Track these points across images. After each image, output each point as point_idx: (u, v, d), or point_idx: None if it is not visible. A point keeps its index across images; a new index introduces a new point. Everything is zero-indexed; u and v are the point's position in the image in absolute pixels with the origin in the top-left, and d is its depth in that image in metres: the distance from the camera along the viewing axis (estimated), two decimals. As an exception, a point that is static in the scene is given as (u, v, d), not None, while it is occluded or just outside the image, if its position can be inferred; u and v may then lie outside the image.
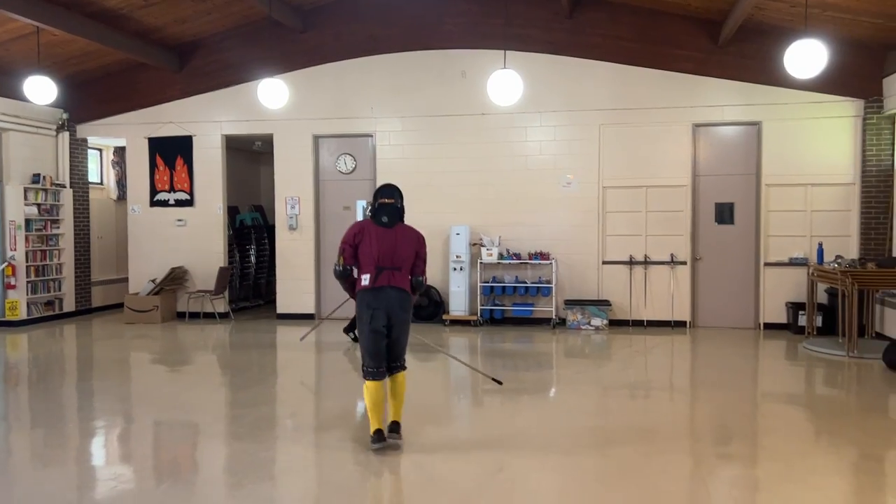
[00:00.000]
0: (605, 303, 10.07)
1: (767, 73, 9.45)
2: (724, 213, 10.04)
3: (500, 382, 6.66)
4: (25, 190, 10.62)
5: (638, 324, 10.13)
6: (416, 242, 4.93)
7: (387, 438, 4.82)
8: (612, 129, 10.12)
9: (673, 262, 10.05)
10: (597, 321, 9.95)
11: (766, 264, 9.81)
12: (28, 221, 10.65)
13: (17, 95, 9.96)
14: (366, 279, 4.75)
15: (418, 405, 5.88)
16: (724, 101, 9.82)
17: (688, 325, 10.06)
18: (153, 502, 4.07)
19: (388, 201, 4.88)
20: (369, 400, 4.79)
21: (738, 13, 8.49)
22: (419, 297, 5.32)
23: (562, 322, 10.17)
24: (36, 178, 10.90)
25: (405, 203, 5.06)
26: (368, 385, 4.79)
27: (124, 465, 4.86)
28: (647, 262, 10.13)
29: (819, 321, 9.14)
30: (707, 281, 10.12)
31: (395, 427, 4.93)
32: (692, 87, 9.87)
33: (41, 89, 8.92)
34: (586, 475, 4.47)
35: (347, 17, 10.46)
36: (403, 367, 4.98)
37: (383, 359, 4.82)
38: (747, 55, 9.58)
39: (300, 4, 10.26)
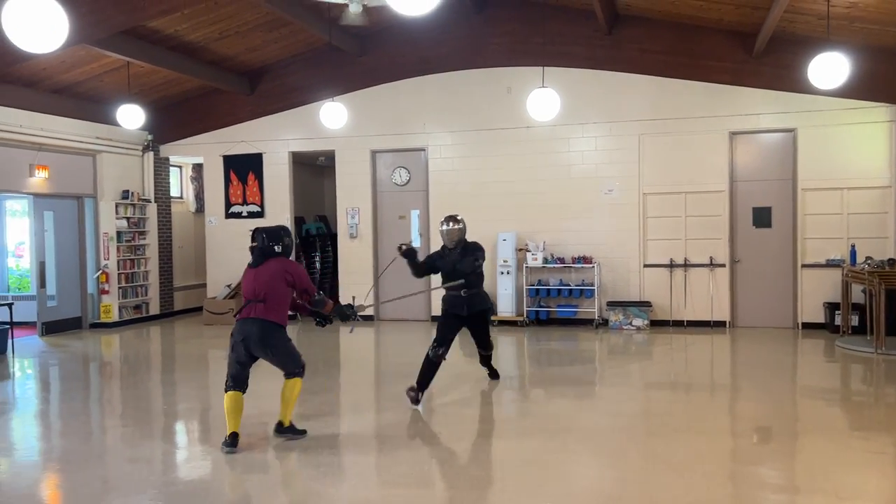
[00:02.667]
0: (647, 304, 10.57)
1: (801, 81, 9.74)
2: (762, 217, 10.42)
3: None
4: (116, 205, 11.83)
5: (678, 324, 10.59)
6: (283, 269, 5.22)
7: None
8: (652, 138, 10.63)
9: (712, 264, 10.48)
10: (638, 321, 10.46)
11: (804, 266, 10.14)
12: (119, 233, 11.86)
13: (110, 121, 11.16)
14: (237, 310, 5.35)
15: (471, 398, 6.58)
16: (759, 109, 10.22)
17: (727, 325, 10.46)
18: (232, 465, 4.92)
19: (253, 245, 5.36)
20: (226, 407, 5.21)
21: (769, 26, 8.92)
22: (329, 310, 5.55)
23: (604, 322, 10.71)
24: (125, 194, 12.11)
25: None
26: (226, 396, 5.24)
27: (202, 442, 5.75)
28: (686, 265, 10.58)
29: (855, 320, 9.42)
30: (746, 282, 10.50)
31: (278, 426, 5.43)
32: (728, 97, 10.30)
33: (132, 116, 10.10)
34: (628, 468, 4.79)
35: (400, 41, 11.30)
36: (296, 375, 5.35)
37: (240, 379, 5.23)
38: (781, 65, 9.95)
39: (357, 31, 11.14)
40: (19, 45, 4.51)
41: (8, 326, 9.56)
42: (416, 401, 6.32)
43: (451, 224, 6.62)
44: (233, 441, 5.17)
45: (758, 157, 10.47)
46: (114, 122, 10.83)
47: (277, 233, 5.38)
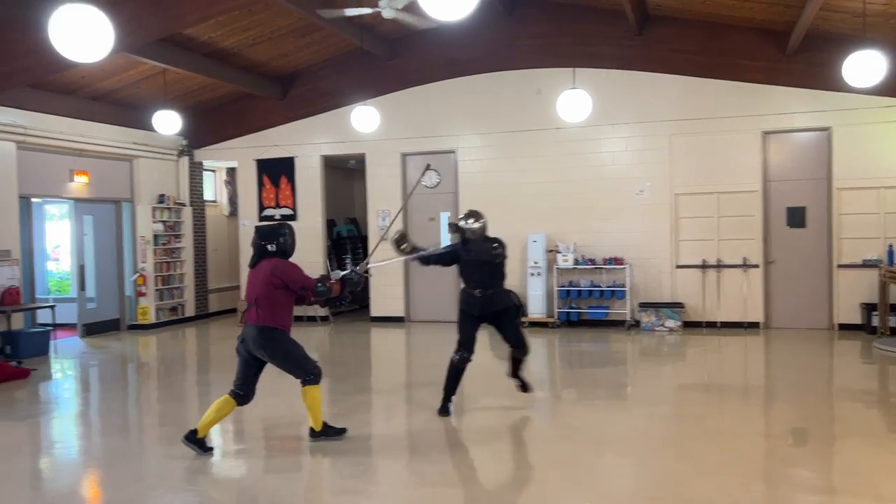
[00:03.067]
0: (679, 305, 10.50)
1: (836, 79, 9.57)
2: (796, 217, 10.30)
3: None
4: (153, 209, 12.08)
5: (711, 325, 10.50)
6: (270, 273, 5.08)
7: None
8: (683, 138, 10.57)
9: (745, 265, 10.38)
10: (670, 323, 10.40)
11: (840, 266, 10.00)
12: (155, 237, 12.10)
13: (146, 126, 11.41)
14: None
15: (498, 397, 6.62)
16: (793, 108, 10.11)
17: (761, 327, 10.35)
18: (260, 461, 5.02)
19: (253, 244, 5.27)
20: (213, 405, 5.21)
21: (802, 24, 8.82)
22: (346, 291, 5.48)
23: (636, 324, 10.66)
24: (161, 198, 12.36)
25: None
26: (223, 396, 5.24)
27: (237, 442, 5.86)
28: (719, 266, 10.50)
29: (893, 321, 9.28)
30: (780, 283, 10.39)
31: (310, 432, 5.35)
32: (761, 95, 10.20)
33: (168, 121, 10.34)
34: (664, 469, 4.81)
35: (430, 44, 11.36)
36: (307, 383, 5.25)
37: (243, 381, 5.22)
38: (815, 63, 9.83)
39: (387, 34, 11.24)
40: (66, 55, 4.66)
41: (50, 328, 9.82)
42: (444, 411, 6.15)
43: (471, 221, 6.22)
44: (191, 435, 5.11)
45: (792, 156, 10.35)
46: (150, 128, 11.08)
47: (273, 231, 5.23)
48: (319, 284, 5.25)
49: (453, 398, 6.26)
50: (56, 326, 9.99)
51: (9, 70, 8.11)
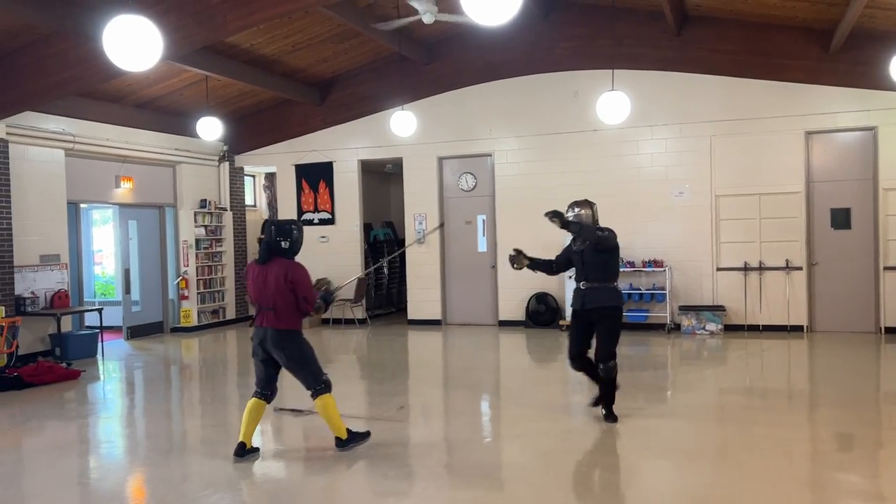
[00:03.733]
0: (720, 308, 10.36)
1: (881, 78, 9.42)
2: (841, 219, 10.10)
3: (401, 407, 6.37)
4: (195, 214, 12.32)
5: (753, 329, 10.34)
6: (283, 277, 4.96)
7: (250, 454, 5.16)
8: (724, 139, 10.44)
9: (788, 267, 10.21)
10: (712, 326, 10.27)
11: (887, 268, 9.77)
12: (197, 241, 12.34)
13: (189, 133, 11.65)
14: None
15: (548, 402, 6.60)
16: (837, 107, 9.92)
17: (805, 330, 10.16)
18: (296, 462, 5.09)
19: (261, 237, 5.09)
20: (244, 413, 5.16)
21: (847, 21, 8.65)
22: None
23: (676, 327, 10.55)
24: (203, 203, 12.59)
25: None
26: (249, 401, 5.21)
27: (278, 443, 5.95)
28: (761, 268, 10.34)
29: (943, 325, 9.05)
30: (824, 285, 10.19)
31: (337, 441, 5.21)
32: (804, 95, 10.03)
33: (210, 128, 10.55)
34: (709, 472, 4.77)
35: (466, 48, 11.40)
36: (319, 392, 5.11)
37: (266, 383, 5.16)
38: (860, 62, 9.64)
39: (424, 39, 11.31)
40: (119, 64, 4.80)
41: (98, 331, 10.07)
42: (608, 417, 5.80)
43: (576, 209, 5.95)
44: (240, 450, 5.11)
45: (836, 156, 10.16)
46: (192, 134, 11.31)
47: (287, 227, 5.13)
48: (318, 300, 5.18)
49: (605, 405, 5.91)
50: (103, 329, 10.24)
51: (62, 79, 8.37)
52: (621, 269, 10.47)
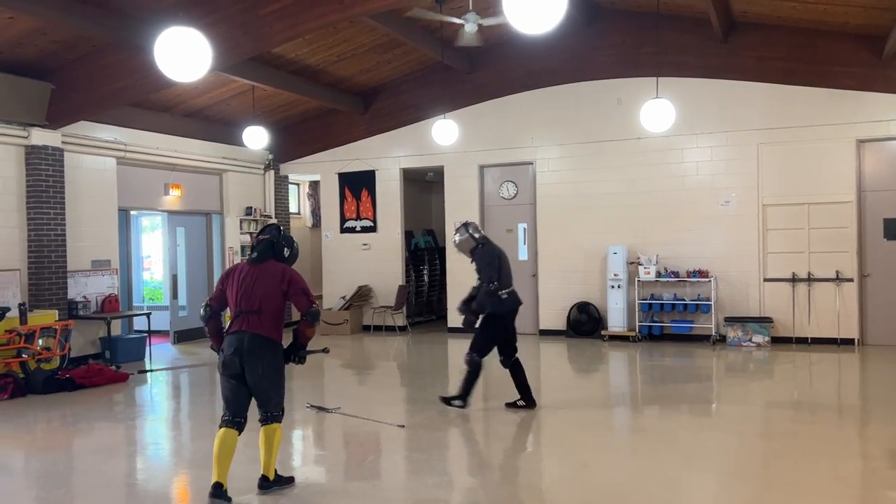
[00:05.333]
0: (767, 320, 10.14)
1: (938, 84, 9.20)
2: (894, 229, 9.80)
3: (402, 426, 6.23)
4: (241, 221, 12.55)
5: (801, 341, 10.09)
6: (280, 278, 4.60)
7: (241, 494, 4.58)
8: (771, 147, 10.24)
9: (838, 278, 9.95)
10: (758, 338, 10.05)
11: (943, 281, 9.46)
12: (242, 248, 12.56)
13: (235, 141, 11.89)
14: (228, 324, 4.61)
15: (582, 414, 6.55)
16: (890, 115, 9.65)
17: (856, 343, 9.88)
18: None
19: (263, 237, 4.76)
20: (215, 448, 4.48)
21: (900, 27, 8.45)
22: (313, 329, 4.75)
23: (722, 339, 10.35)
24: (248, 210, 12.82)
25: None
26: (218, 433, 4.52)
27: (318, 447, 5.99)
28: (810, 279, 10.09)
29: None
30: (876, 298, 9.90)
31: (262, 482, 4.70)
32: (855, 102, 9.79)
33: (256, 137, 10.76)
34: (755, 489, 4.66)
35: (509, 57, 11.41)
36: (275, 419, 4.64)
37: (239, 407, 4.56)
38: (915, 67, 9.38)
39: (467, 48, 11.32)
40: (169, 75, 4.94)
41: (146, 335, 10.31)
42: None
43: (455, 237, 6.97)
44: (216, 492, 4.41)
45: (889, 165, 9.88)
46: (239, 143, 11.54)
47: (291, 238, 4.88)
48: (314, 304, 4.73)
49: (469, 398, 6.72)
50: (150, 333, 10.47)
51: (114, 89, 8.65)
52: (665, 280, 10.48)
